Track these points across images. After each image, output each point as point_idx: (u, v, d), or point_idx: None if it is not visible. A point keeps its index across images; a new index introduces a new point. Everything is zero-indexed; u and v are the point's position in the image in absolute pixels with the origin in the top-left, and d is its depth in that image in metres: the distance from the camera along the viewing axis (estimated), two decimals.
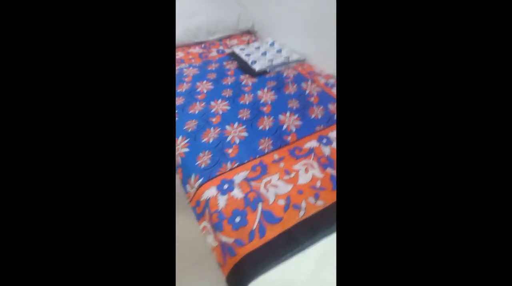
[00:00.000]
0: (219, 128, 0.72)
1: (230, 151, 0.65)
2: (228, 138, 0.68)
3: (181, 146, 0.68)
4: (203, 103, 0.82)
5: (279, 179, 0.57)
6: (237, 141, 0.67)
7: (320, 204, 0.51)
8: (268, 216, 0.50)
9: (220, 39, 1.26)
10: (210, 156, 0.64)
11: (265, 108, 0.78)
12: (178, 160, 0.66)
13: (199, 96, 0.85)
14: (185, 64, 1.06)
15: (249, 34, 1.32)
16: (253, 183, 0.56)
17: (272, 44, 1.13)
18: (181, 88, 0.90)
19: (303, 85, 0.88)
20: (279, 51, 1.08)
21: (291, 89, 0.87)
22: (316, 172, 0.58)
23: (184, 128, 0.73)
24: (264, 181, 0.57)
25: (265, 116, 0.75)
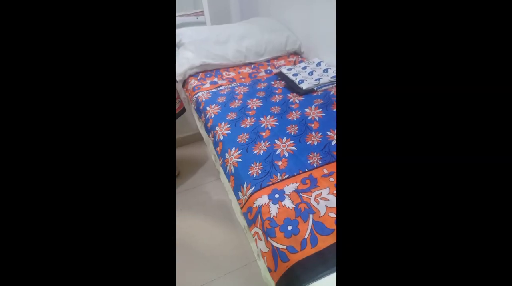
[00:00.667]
0: (269, 142, 0.76)
1: (279, 163, 0.69)
2: (278, 152, 0.72)
3: (234, 156, 0.74)
4: (254, 119, 0.88)
5: (329, 193, 0.58)
6: (286, 154, 0.71)
7: None
8: (319, 227, 0.51)
9: (268, 60, 1.35)
10: (261, 166, 0.68)
11: (312, 125, 0.81)
12: (231, 168, 0.72)
13: (249, 112, 0.92)
14: (237, 83, 1.16)
15: (296, 55, 1.39)
16: (303, 195, 0.59)
17: (319, 64, 1.17)
18: (234, 104, 0.98)
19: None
20: (326, 70, 1.12)
21: None
22: None
23: (237, 140, 0.79)
24: (315, 194, 0.59)
25: (313, 132, 0.78)
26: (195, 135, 1.90)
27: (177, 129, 1.81)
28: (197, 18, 1.91)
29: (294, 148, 0.73)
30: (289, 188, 0.61)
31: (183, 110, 1.52)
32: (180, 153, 1.80)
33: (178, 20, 2.06)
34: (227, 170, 0.74)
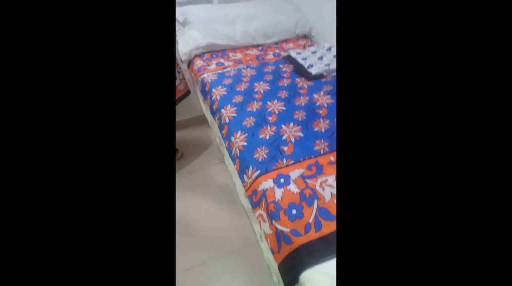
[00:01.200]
0: (275, 127, 0.76)
1: (285, 148, 0.68)
2: (284, 137, 0.72)
3: (240, 140, 0.73)
4: (260, 103, 0.87)
5: (335, 180, 0.58)
6: (293, 140, 0.71)
7: None
8: (324, 213, 0.52)
9: (277, 43, 1.31)
10: (267, 151, 0.68)
11: (321, 111, 0.80)
12: (236, 151, 0.72)
13: (256, 96, 0.91)
14: (243, 65, 1.13)
15: (306, 38, 1.35)
16: (308, 181, 0.59)
17: (329, 49, 1.14)
18: (240, 87, 0.97)
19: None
20: (336, 56, 1.08)
21: None
22: None
23: (243, 124, 0.78)
24: (320, 180, 0.59)
25: (321, 119, 0.77)
26: (199, 118, 1.89)
27: (181, 110, 1.79)
28: None
29: (301, 134, 0.72)
30: (294, 173, 0.61)
31: (188, 92, 1.50)
32: (184, 134, 1.80)
33: None
34: (233, 153, 0.74)
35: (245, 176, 0.66)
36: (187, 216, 1.19)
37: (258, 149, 0.69)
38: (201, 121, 1.82)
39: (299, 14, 1.33)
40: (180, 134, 1.80)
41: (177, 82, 1.37)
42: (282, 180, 0.59)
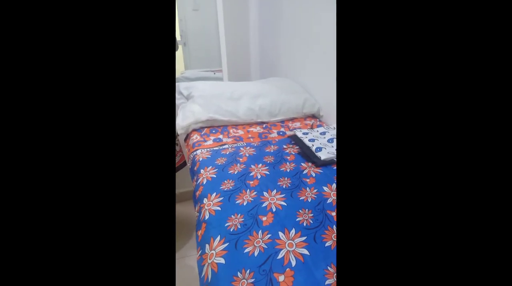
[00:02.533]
0: (270, 234, 0.53)
1: (281, 278, 0.44)
2: (281, 254, 0.49)
3: (217, 251, 0.50)
4: (254, 193, 0.67)
5: None
6: (293, 263, 0.47)
7: None
8: None
9: (282, 121, 1.21)
10: (251, 278, 0.44)
11: (333, 214, 0.58)
12: (207, 272, 0.48)
13: (251, 183, 0.72)
14: (243, 143, 1.00)
15: (314, 118, 1.25)
16: None
17: None
18: (233, 169, 0.79)
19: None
20: None
21: None
22: None
23: (226, 225, 0.57)
24: None
25: (334, 226, 0.55)
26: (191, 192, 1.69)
27: (177, 184, 1.62)
28: (214, 73, 1.92)
29: (305, 251, 0.49)
30: None
31: (184, 164, 1.36)
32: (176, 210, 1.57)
33: (193, 73, 2.10)
34: (203, 273, 0.49)
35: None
36: None
37: (238, 274, 0.45)
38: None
39: (308, 94, 1.28)
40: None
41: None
42: None
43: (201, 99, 1.18)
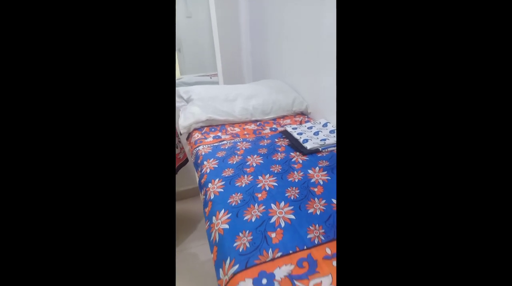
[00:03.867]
0: (264, 206, 0.66)
1: (273, 235, 0.57)
2: (272, 219, 0.61)
3: (222, 221, 0.63)
4: (251, 177, 0.80)
5: (331, 283, 0.45)
6: (282, 224, 0.60)
7: None
8: None
9: (274, 119, 1.34)
10: (250, 237, 0.57)
11: (316, 189, 0.72)
12: (215, 236, 0.61)
13: (248, 170, 0.85)
14: (240, 139, 1.12)
15: (302, 115, 1.39)
16: (297, 283, 0.45)
17: (325, 125, 1.14)
18: (232, 160, 0.92)
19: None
20: (332, 131, 1.07)
21: None
22: None
23: (228, 201, 0.70)
24: (313, 282, 0.45)
25: (316, 199, 0.68)
26: (195, 189, 1.81)
27: (177, 182, 1.73)
28: (210, 78, 2.04)
29: (292, 216, 0.62)
30: (281, 270, 0.48)
31: (186, 160, 1.48)
32: (179, 207, 1.69)
33: (191, 78, 2.22)
34: (212, 238, 0.62)
35: (221, 270, 0.53)
36: None
37: (240, 234, 0.58)
38: (197, 193, 1.73)
39: (296, 94, 1.41)
40: (179, 206, 1.68)
41: (177, 151, 1.37)
42: (264, 281, 0.46)
43: (200, 102, 1.31)
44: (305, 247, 0.53)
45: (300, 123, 1.26)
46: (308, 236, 0.56)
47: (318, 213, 0.62)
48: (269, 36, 1.71)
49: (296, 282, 0.45)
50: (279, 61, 1.66)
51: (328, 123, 1.14)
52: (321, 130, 1.09)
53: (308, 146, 0.95)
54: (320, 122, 1.18)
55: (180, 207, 1.69)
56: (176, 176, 1.64)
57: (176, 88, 1.48)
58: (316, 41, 1.20)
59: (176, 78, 2.69)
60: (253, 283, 0.46)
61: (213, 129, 1.24)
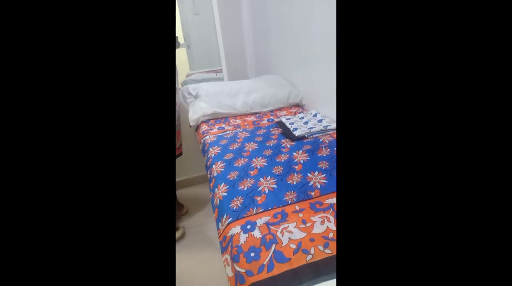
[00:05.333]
0: (254, 180, 0.85)
1: (258, 198, 0.76)
2: (260, 188, 0.81)
3: (222, 191, 0.83)
4: (246, 159, 0.99)
5: (295, 226, 0.64)
6: (266, 191, 0.79)
7: (328, 252, 0.55)
8: (278, 256, 0.56)
9: (272, 111, 1.52)
10: (241, 200, 0.76)
11: (296, 167, 0.90)
12: (217, 201, 0.81)
13: (244, 154, 1.04)
14: (240, 129, 1.31)
15: (298, 106, 1.55)
16: (272, 227, 0.64)
17: (315, 115, 1.30)
18: (233, 146, 1.12)
19: (336, 149, 0.98)
20: (320, 121, 1.23)
21: (324, 152, 0.98)
22: (331, 225, 0.63)
23: (227, 177, 0.89)
24: (282, 226, 0.64)
25: (295, 173, 0.86)
26: (204, 176, 2.03)
27: (189, 169, 1.96)
28: (216, 75, 2.22)
29: (275, 186, 0.81)
30: (261, 220, 0.67)
31: (180, 154, 1.65)
32: (190, 191, 1.92)
33: (199, 76, 2.41)
34: (214, 203, 0.82)
35: (220, 223, 0.73)
36: (183, 272, 1.20)
37: (234, 198, 0.78)
38: (206, 179, 1.94)
39: (292, 87, 1.57)
40: (186, 192, 1.91)
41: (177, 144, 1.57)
42: (248, 226, 0.66)
43: (206, 97, 1.50)
44: (280, 205, 0.72)
45: (294, 114, 1.42)
46: (284, 198, 0.75)
47: (295, 183, 0.81)
48: (269, 32, 1.86)
49: (270, 227, 0.65)
50: (278, 57, 1.81)
51: (317, 114, 1.30)
52: (311, 120, 1.25)
53: (297, 133, 1.12)
54: (311, 113, 1.34)
55: (190, 191, 1.92)
56: (191, 164, 1.86)
57: (186, 86, 1.68)
58: (308, 38, 1.34)
59: (185, 74, 2.89)
60: (240, 227, 0.66)
61: (218, 122, 1.43)
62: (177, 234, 1.50)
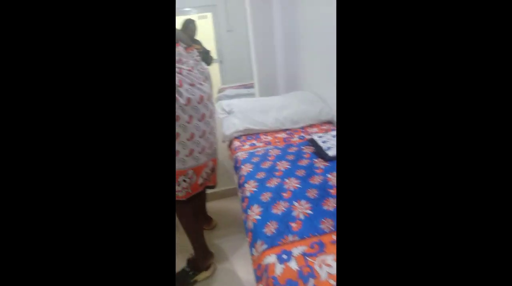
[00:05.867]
0: (288, 203, 0.83)
1: (294, 224, 0.74)
2: (294, 213, 0.78)
3: (255, 213, 0.82)
4: (279, 180, 0.98)
5: (334, 259, 0.60)
6: (302, 217, 0.76)
7: None
8: None
9: (303, 127, 1.50)
10: (276, 226, 0.75)
11: (332, 191, 0.86)
12: (250, 224, 0.80)
13: (277, 173, 1.03)
14: (271, 146, 1.31)
15: (329, 123, 1.51)
16: (309, 259, 0.62)
17: None
18: (264, 165, 1.11)
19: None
20: None
21: None
22: None
23: (260, 198, 0.89)
24: (320, 258, 0.61)
25: (331, 198, 0.82)
26: (233, 190, 2.04)
27: (221, 181, 1.99)
28: (247, 89, 2.27)
29: (310, 212, 0.78)
30: (297, 250, 0.65)
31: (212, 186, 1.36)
32: (221, 204, 1.94)
33: (232, 91, 2.48)
34: (247, 225, 0.82)
35: (253, 249, 0.72)
36: None
37: (268, 223, 0.76)
38: (233, 193, 1.95)
39: (323, 104, 1.54)
40: (217, 204, 1.94)
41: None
42: (284, 256, 0.64)
43: (239, 114, 1.53)
44: (317, 234, 0.69)
45: (326, 131, 1.39)
46: (321, 226, 0.71)
47: (331, 209, 0.77)
48: (301, 48, 1.86)
49: (308, 258, 0.62)
50: (309, 73, 1.80)
51: None
52: None
53: (330, 153, 1.09)
54: None
55: (222, 204, 1.94)
56: (218, 177, 1.89)
57: (219, 102, 1.73)
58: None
59: (217, 89, 3.00)
60: (276, 256, 0.64)
61: (249, 138, 1.45)
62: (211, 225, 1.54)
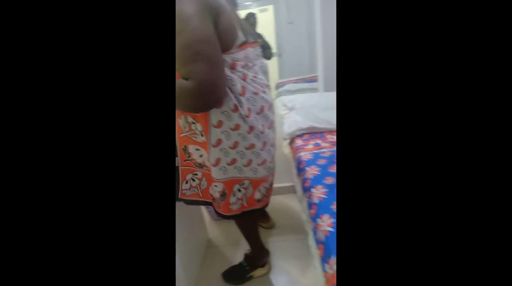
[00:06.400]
0: None
1: None
2: None
3: (327, 224, 0.74)
4: None
5: None
6: None
7: None
8: None
9: None
10: None
11: None
12: (321, 236, 0.73)
13: None
14: None
15: None
16: None
17: None
18: (333, 169, 1.01)
19: None
20: None
21: None
22: None
23: (331, 207, 0.80)
24: None
25: None
26: (291, 187, 1.97)
27: (279, 177, 1.95)
28: (309, 83, 2.14)
29: None
30: None
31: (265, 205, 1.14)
32: (280, 201, 1.90)
33: (293, 86, 2.39)
34: (317, 236, 0.75)
35: (326, 265, 0.64)
36: None
37: None
38: (291, 190, 1.88)
39: None
40: (273, 200, 1.91)
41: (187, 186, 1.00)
42: None
43: (302, 110, 1.45)
44: None
45: None
46: None
47: None
48: None
49: None
50: None
51: None
52: None
53: None
54: None
55: (281, 200, 1.90)
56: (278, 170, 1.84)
57: (280, 97, 1.68)
58: None
59: (276, 84, 2.95)
60: None
61: (313, 137, 1.35)
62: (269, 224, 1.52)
